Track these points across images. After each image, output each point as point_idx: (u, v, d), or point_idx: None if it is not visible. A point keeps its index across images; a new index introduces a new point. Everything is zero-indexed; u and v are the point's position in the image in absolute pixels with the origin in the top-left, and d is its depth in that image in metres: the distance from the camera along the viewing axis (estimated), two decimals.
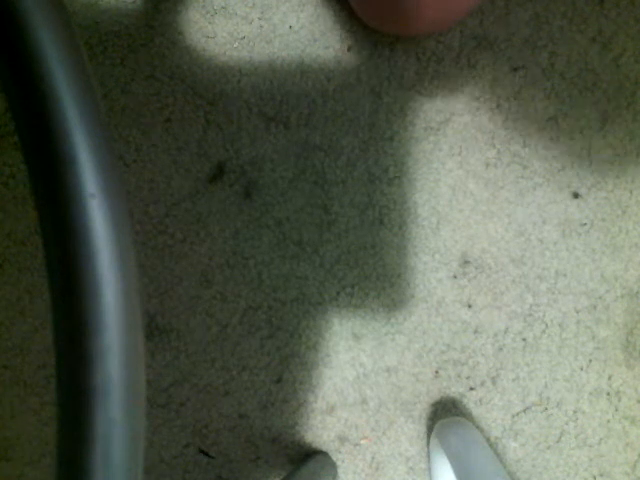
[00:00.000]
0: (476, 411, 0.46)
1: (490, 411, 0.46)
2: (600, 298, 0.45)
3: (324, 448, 0.48)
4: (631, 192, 0.45)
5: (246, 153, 0.46)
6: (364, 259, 0.46)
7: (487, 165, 0.45)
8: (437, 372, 0.46)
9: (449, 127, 0.45)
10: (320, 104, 0.46)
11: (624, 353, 0.45)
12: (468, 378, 0.46)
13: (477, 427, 0.46)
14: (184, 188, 0.47)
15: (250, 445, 0.48)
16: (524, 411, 0.46)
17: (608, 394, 0.46)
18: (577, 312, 0.45)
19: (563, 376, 0.46)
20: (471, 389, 0.46)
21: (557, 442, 0.46)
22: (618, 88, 0.44)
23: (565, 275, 0.45)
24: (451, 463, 0.40)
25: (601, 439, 0.46)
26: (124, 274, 0.13)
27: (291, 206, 0.46)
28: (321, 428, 0.48)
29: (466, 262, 0.46)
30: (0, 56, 0.12)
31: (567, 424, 0.46)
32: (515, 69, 0.45)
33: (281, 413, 0.48)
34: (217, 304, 0.47)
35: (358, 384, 0.47)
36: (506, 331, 0.46)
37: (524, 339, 0.46)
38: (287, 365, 0.47)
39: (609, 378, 0.46)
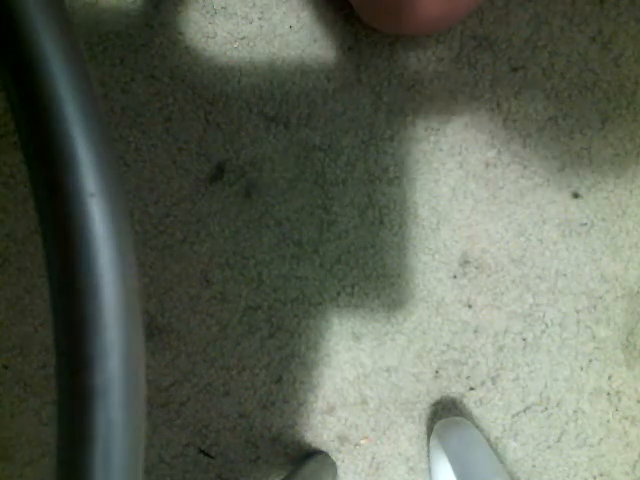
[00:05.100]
0: (476, 411, 0.46)
1: (490, 411, 0.46)
2: (600, 298, 0.45)
3: (324, 448, 0.48)
4: (631, 192, 0.45)
5: (246, 153, 0.46)
6: (364, 259, 0.46)
7: (487, 165, 0.45)
8: (437, 372, 0.46)
9: (449, 127, 0.45)
10: (320, 104, 0.46)
11: (624, 353, 0.45)
12: (468, 378, 0.46)
13: (477, 427, 0.46)
14: (184, 188, 0.47)
15: (250, 445, 0.48)
16: (524, 411, 0.46)
17: (608, 394, 0.46)
18: (577, 312, 0.45)
19: (563, 376, 0.46)
20: (471, 389, 0.46)
21: (557, 442, 0.46)
22: (618, 88, 0.44)
23: (565, 275, 0.45)
24: (451, 463, 0.40)
25: (601, 439, 0.46)
26: (124, 274, 0.13)
27: (291, 206, 0.46)
28: (321, 428, 0.48)
29: (466, 262, 0.46)
30: (0, 56, 0.12)
31: (567, 424, 0.46)
32: (515, 69, 0.45)
33: (281, 413, 0.48)
34: (217, 304, 0.47)
35: (358, 384, 0.47)
36: (506, 331, 0.46)
37: (524, 339, 0.46)
38: (287, 365, 0.47)
39: (609, 378, 0.46)
